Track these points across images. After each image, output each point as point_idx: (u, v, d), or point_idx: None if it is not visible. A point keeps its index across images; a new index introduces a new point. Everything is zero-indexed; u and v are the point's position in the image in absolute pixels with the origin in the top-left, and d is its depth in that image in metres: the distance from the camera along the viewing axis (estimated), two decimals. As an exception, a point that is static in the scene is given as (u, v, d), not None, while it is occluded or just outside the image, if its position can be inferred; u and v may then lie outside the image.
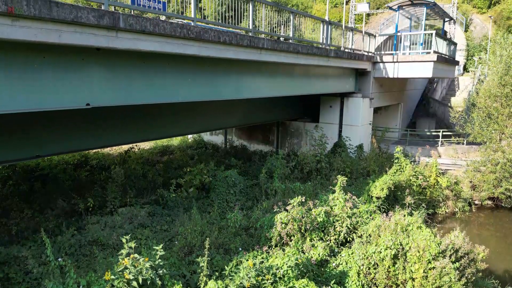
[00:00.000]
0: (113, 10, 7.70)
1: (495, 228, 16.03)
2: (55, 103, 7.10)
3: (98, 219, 10.10)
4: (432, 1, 18.53)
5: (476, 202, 17.44)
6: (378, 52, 19.80)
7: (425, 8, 19.11)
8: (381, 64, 19.48)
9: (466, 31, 50.47)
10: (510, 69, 15.04)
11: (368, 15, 60.86)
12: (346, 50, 16.78)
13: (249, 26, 11.15)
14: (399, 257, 7.66)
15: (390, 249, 7.51)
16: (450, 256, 7.46)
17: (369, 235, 8.70)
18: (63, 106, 7.23)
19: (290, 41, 12.84)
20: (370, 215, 10.10)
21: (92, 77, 7.62)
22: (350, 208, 9.58)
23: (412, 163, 16.99)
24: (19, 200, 13.40)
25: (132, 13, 7.99)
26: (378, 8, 64.38)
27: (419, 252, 7.32)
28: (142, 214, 10.20)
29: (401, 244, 7.67)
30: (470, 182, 16.64)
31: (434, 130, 24.00)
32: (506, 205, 16.64)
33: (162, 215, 11.23)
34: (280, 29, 13.83)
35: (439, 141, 22.53)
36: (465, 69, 46.78)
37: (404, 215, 10.65)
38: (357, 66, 18.25)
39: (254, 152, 23.25)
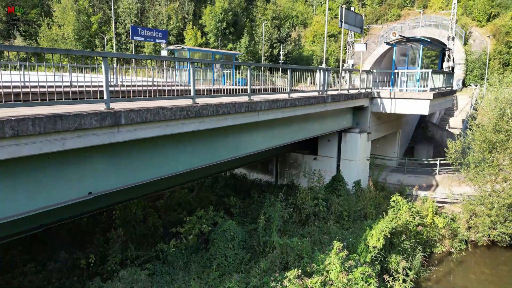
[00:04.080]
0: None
1: (490, 269, 16.23)
2: (57, 199, 7.35)
3: (100, 285, 10.35)
4: (428, 39, 18.80)
5: (473, 238, 17.65)
6: (376, 89, 20.04)
7: (421, 46, 19.36)
8: (378, 100, 19.74)
9: (465, 44, 50.70)
10: (505, 114, 15.27)
11: (368, 25, 61.21)
12: (343, 92, 17.01)
13: (247, 90, 11.31)
14: None
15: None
16: None
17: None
18: (66, 200, 7.48)
19: (287, 96, 13.04)
20: (366, 282, 10.35)
21: (94, 166, 7.87)
22: (345, 276, 9.83)
23: (409, 202, 17.25)
24: (22, 249, 13.69)
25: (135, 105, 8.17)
26: (377, 20, 64.80)
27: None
28: (142, 277, 10.47)
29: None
30: (467, 222, 16.87)
31: (431, 159, 24.22)
32: (501, 245, 16.86)
33: (162, 274, 11.48)
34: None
35: (436, 169, 22.84)
36: (464, 84, 47.05)
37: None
38: (354, 105, 18.53)
39: (253, 181, 23.53)
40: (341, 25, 15.88)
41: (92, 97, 8.37)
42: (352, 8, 49.86)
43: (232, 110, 10.31)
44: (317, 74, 15.44)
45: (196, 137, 10.28)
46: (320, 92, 15.22)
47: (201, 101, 9.77)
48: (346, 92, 17.32)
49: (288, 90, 13.18)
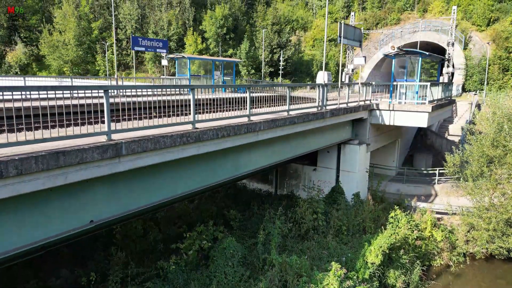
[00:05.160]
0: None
1: (488, 282, 16.32)
2: (60, 229, 7.49)
3: (101, 306, 10.51)
4: (427, 53, 18.92)
5: (471, 251, 17.75)
6: (375, 101, 20.17)
7: (420, 58, 19.49)
8: (377, 112, 19.86)
9: (465, 48, 50.77)
10: (503, 129, 15.38)
11: (368, 29, 61.37)
12: (342, 106, 17.14)
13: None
14: None
15: None
16: None
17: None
18: (68, 229, 7.61)
19: (286, 114, 13.16)
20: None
21: (95, 195, 8.00)
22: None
23: (408, 214, 17.37)
24: (23, 265, 13.81)
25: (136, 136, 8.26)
26: (377, 24, 64.93)
27: None
28: (143, 297, 10.61)
29: None
30: (465, 235, 16.97)
31: (431, 168, 24.33)
32: (499, 258, 16.97)
33: (163, 293, 11.63)
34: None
35: (435, 178, 22.98)
36: (464, 89, 47.13)
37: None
38: (354, 118, 18.66)
39: (253, 191, 23.67)
40: (340, 40, 16.01)
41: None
42: (352, 13, 49.90)
43: (231, 133, 10.45)
44: (316, 89, 15.55)
45: (196, 160, 10.40)
46: (319, 108, 15.35)
47: (201, 125, 9.88)
48: (345, 105, 17.45)
49: (287, 108, 13.30)
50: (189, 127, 9.48)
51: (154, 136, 8.26)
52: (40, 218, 7.15)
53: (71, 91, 7.21)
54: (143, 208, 9.20)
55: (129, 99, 13.10)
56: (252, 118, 11.56)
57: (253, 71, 50.63)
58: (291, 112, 13.46)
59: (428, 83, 18.52)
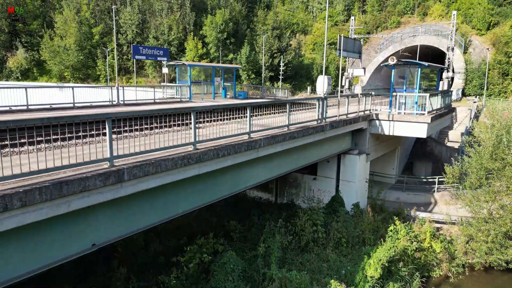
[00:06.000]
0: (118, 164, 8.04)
1: (487, 294, 16.47)
2: (63, 254, 7.59)
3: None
4: (426, 63, 19.01)
5: (470, 262, 17.83)
6: (374, 111, 20.27)
7: (419, 69, 19.57)
8: (377, 122, 19.96)
9: (465, 52, 50.80)
10: (502, 142, 15.47)
11: (368, 32, 61.51)
12: (342, 117, 17.23)
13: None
14: None
15: None
16: None
17: None
18: (71, 254, 7.72)
19: (286, 129, 13.27)
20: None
21: (97, 220, 8.10)
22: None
23: (408, 225, 17.46)
24: (24, 282, 13.91)
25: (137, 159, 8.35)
26: (377, 27, 65.00)
27: None
28: (144, 315, 10.73)
29: None
30: (464, 246, 17.06)
31: (430, 176, 24.42)
32: (498, 268, 17.05)
33: (164, 309, 11.74)
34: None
35: (435, 186, 23.08)
36: (464, 93, 47.19)
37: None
38: (353, 128, 18.76)
39: (253, 199, 23.79)
40: (340, 53, 16.11)
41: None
42: (352, 17, 49.90)
43: (232, 151, 10.55)
44: (316, 103, 15.65)
45: (196, 178, 10.50)
46: (319, 121, 15.44)
47: (202, 145, 9.98)
48: (344, 117, 17.55)
49: (287, 123, 13.40)
50: (190, 147, 9.59)
51: (155, 160, 8.37)
52: (42, 245, 7.25)
53: (74, 121, 7.27)
54: (144, 228, 9.30)
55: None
56: (252, 135, 11.65)
57: (253, 75, 50.73)
58: (291, 126, 13.57)
59: (427, 94, 18.62)
